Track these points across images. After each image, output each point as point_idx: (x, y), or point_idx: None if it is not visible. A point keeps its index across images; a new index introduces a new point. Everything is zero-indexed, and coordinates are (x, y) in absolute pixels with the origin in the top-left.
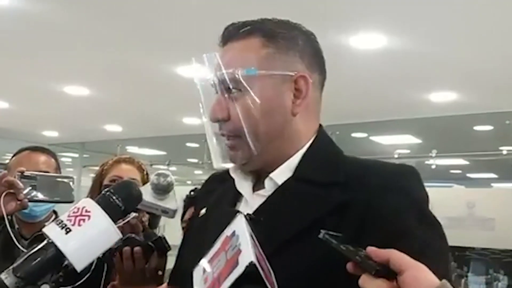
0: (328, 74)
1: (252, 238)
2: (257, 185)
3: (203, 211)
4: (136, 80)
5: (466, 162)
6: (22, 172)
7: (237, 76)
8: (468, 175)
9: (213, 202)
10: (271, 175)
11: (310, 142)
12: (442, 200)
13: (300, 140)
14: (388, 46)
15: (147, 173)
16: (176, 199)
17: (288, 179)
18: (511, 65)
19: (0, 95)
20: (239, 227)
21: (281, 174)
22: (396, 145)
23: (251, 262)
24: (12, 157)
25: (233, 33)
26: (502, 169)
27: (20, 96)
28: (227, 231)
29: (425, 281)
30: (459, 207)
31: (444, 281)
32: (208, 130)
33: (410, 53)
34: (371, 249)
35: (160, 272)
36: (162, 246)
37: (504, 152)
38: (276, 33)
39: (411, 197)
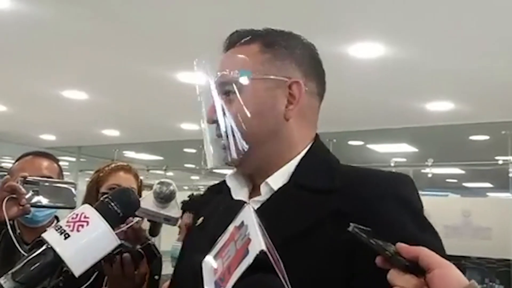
0: (326, 82)
1: (261, 227)
2: (253, 192)
3: (200, 220)
4: (135, 85)
5: (462, 171)
6: (24, 177)
7: (232, 78)
8: (464, 184)
9: (209, 211)
10: (267, 180)
11: (307, 149)
12: (438, 209)
13: (296, 146)
14: (386, 55)
15: (141, 181)
16: (178, 207)
17: (284, 185)
18: (508, 76)
19: None
20: (247, 217)
21: (277, 180)
22: (393, 153)
23: (262, 250)
24: (15, 162)
25: (236, 40)
26: (497, 179)
27: (18, 100)
28: (236, 222)
29: (454, 280)
30: (455, 216)
31: (472, 281)
32: (205, 133)
33: (407, 62)
34: (400, 245)
35: (156, 277)
36: (151, 252)
37: (500, 162)
38: (274, 41)
39: (408, 205)
